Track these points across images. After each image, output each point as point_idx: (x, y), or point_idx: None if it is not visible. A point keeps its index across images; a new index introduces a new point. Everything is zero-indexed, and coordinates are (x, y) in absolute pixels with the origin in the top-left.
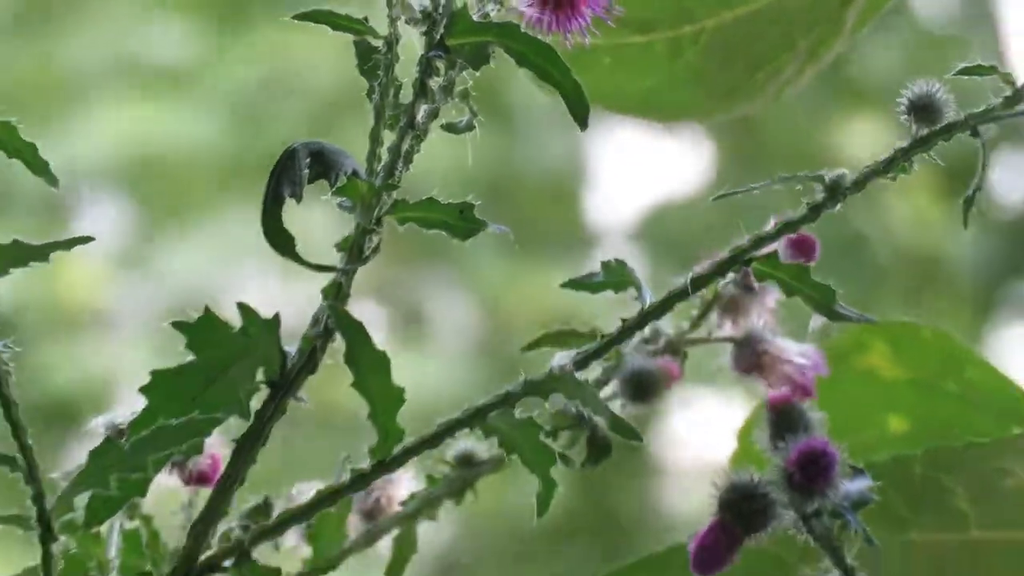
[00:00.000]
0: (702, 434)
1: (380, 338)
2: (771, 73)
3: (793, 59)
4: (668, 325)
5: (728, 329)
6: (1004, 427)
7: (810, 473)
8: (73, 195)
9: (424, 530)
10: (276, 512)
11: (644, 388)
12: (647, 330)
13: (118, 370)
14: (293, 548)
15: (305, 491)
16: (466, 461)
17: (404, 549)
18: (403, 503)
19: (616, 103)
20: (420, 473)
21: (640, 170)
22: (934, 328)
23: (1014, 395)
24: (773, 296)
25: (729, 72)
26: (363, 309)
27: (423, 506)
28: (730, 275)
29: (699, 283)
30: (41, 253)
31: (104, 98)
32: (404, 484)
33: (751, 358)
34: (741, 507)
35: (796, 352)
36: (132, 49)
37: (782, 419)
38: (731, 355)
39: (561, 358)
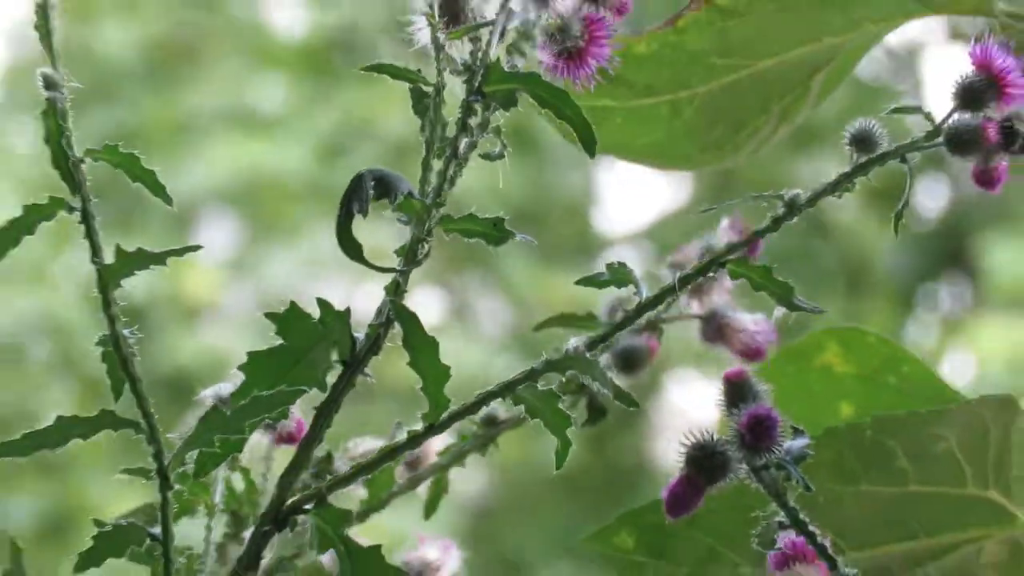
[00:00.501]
0: (694, 405)
1: (437, 327)
2: (751, 132)
3: (768, 121)
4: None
5: (695, 308)
6: None
7: (757, 434)
8: (196, 214)
9: (462, 481)
10: (336, 462)
11: (632, 361)
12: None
13: (230, 352)
14: (350, 492)
15: (360, 445)
16: (490, 421)
17: (438, 491)
18: (439, 454)
19: (626, 153)
20: (452, 430)
21: (636, 192)
22: (877, 333)
23: (939, 387)
24: (727, 279)
25: (717, 130)
26: (426, 306)
27: (455, 458)
28: (718, 244)
29: (685, 281)
30: (159, 258)
31: (219, 136)
32: (439, 440)
33: (714, 330)
34: (703, 463)
35: (750, 321)
36: (241, 97)
37: (735, 390)
38: (699, 329)
39: (575, 342)
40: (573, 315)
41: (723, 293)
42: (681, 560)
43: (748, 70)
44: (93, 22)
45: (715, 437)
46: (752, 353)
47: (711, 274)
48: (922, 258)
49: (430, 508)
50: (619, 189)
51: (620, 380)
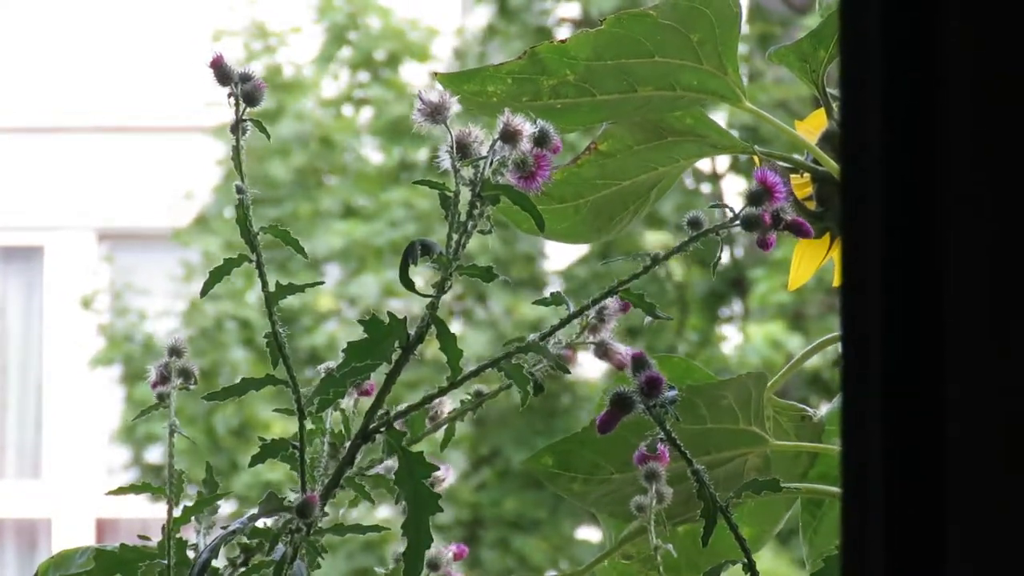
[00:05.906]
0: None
1: (455, 327)
2: (617, 223)
3: (627, 216)
4: (567, 337)
5: (592, 338)
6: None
7: (649, 387)
8: (323, 262)
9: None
10: (393, 409)
11: (561, 362)
12: (560, 335)
13: (339, 341)
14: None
15: (406, 403)
16: (478, 394)
17: (448, 435)
18: (449, 413)
19: (551, 235)
20: (454, 397)
21: (560, 249)
22: (679, 357)
23: (708, 377)
24: (612, 322)
25: (600, 221)
26: (449, 315)
27: (458, 414)
28: (606, 303)
29: (596, 301)
30: (298, 289)
31: (336, 220)
32: (448, 404)
33: (602, 352)
34: (621, 402)
35: (623, 349)
36: (348, 198)
37: (637, 363)
38: (593, 351)
39: (533, 336)
40: (522, 337)
41: (608, 331)
42: (578, 471)
43: (616, 187)
44: (268, 158)
45: (626, 388)
46: (622, 367)
47: (606, 305)
48: (720, 286)
49: (443, 445)
50: (553, 247)
51: (558, 368)
